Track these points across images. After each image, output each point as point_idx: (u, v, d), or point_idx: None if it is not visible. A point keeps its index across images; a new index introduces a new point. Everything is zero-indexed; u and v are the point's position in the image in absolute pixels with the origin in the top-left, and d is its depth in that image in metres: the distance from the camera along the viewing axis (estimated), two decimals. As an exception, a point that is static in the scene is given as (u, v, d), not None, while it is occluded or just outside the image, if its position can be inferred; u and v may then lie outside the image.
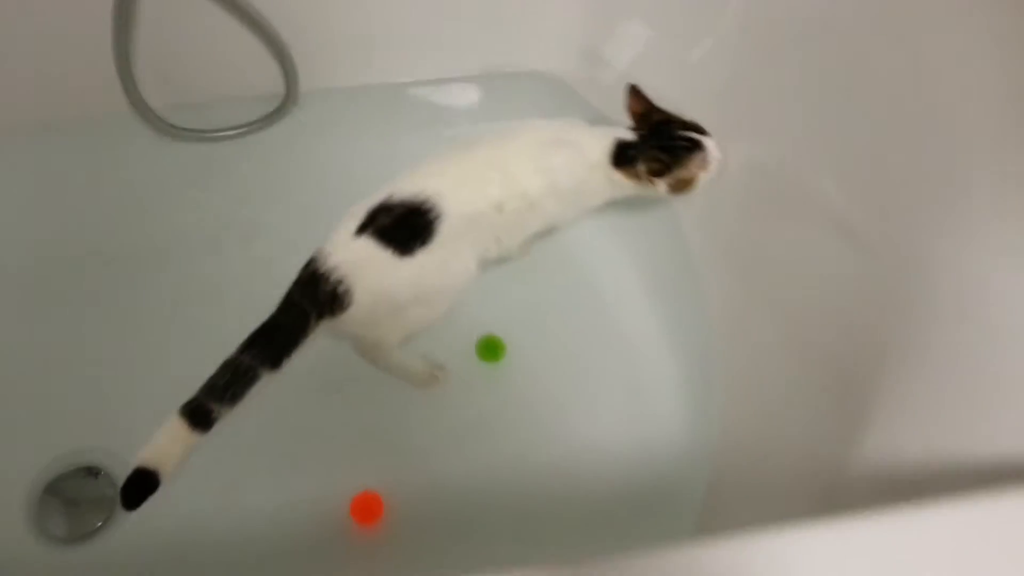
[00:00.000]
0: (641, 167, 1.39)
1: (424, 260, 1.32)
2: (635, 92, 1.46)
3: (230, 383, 1.28)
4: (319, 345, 1.42)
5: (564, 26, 1.89)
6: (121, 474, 1.31)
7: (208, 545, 1.44)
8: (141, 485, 1.21)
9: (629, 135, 1.42)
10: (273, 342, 1.30)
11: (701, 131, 1.40)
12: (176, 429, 1.24)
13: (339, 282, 1.31)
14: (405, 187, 1.33)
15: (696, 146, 1.38)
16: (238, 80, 1.83)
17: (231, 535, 1.45)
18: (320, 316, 1.32)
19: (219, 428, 1.27)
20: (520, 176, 1.37)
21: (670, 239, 1.80)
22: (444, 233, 1.32)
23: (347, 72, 1.90)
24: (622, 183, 1.42)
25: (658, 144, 1.38)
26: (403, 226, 1.31)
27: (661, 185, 1.39)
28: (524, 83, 1.98)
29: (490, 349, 1.69)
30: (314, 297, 1.31)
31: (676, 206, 1.79)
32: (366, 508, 1.50)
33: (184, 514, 1.44)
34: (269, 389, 1.29)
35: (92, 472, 1.55)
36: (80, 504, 1.53)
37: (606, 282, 1.78)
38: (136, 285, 1.67)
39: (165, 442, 1.24)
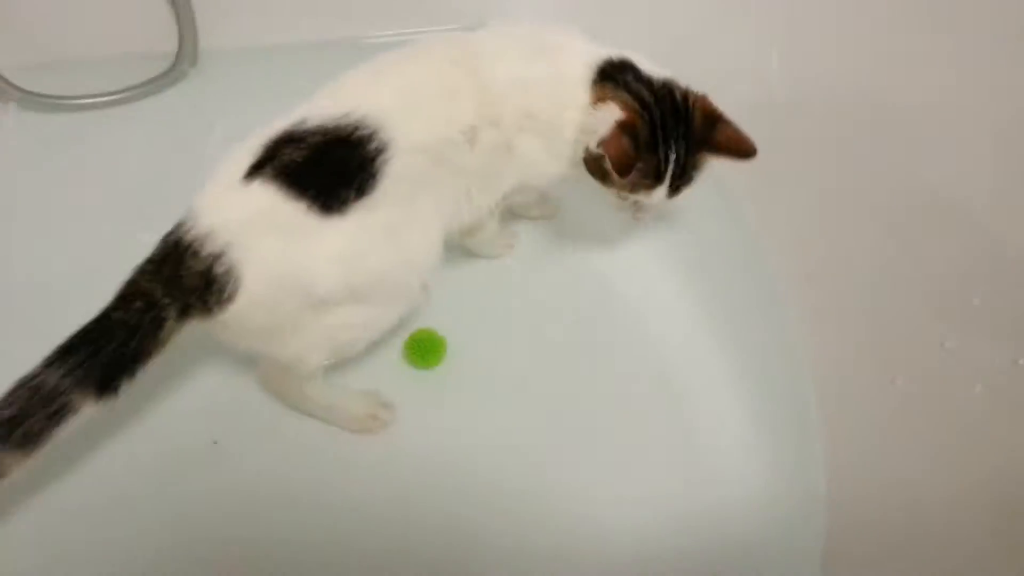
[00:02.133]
0: (619, 96, 0.98)
1: (362, 223, 0.89)
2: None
3: (22, 416, 0.81)
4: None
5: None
6: None
7: None
8: None
9: (645, 65, 1.02)
10: (102, 351, 0.84)
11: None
12: None
13: (216, 257, 0.85)
14: (326, 106, 0.91)
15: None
16: (112, 33, 1.48)
17: None
18: (185, 312, 0.87)
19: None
20: (495, 90, 0.97)
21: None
22: (393, 178, 0.90)
23: (261, 25, 1.54)
24: (577, 114, 1.01)
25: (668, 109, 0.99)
26: (325, 165, 0.88)
27: (599, 135, 0.96)
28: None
29: (423, 347, 1.21)
30: (175, 281, 0.86)
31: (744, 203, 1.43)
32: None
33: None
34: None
35: None
36: None
37: (634, 290, 1.36)
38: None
39: None
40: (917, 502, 1.03)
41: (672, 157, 0.98)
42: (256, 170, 0.87)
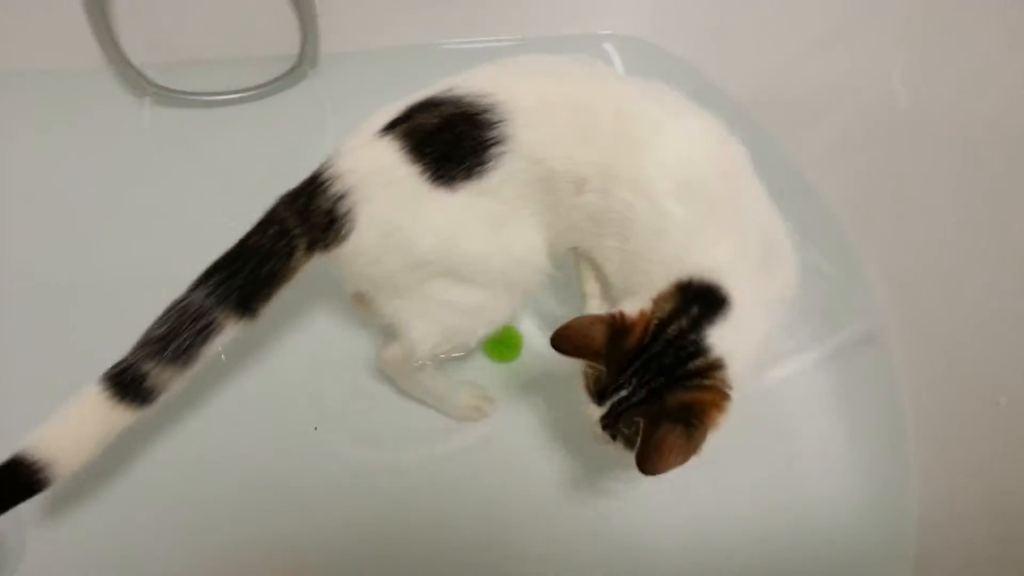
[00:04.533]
0: (659, 310, 0.84)
1: (466, 204, 0.89)
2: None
3: (174, 334, 0.88)
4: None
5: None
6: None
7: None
8: (15, 482, 0.84)
9: (730, 326, 0.85)
10: (241, 275, 0.90)
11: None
12: (92, 403, 0.87)
13: (339, 198, 0.89)
14: (473, 82, 0.90)
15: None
16: (240, 36, 1.56)
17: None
18: (312, 244, 0.92)
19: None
20: (639, 165, 0.87)
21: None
22: (505, 175, 0.89)
23: (378, 30, 1.60)
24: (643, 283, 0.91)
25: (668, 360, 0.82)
26: (447, 137, 0.88)
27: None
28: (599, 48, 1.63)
29: (503, 342, 1.24)
30: (306, 214, 0.91)
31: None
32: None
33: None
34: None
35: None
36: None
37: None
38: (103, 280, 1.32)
39: (72, 422, 0.87)
40: (1012, 516, 1.00)
41: (622, 394, 0.81)
42: (391, 128, 0.89)
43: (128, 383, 0.87)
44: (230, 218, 1.32)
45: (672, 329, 0.81)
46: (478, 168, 0.87)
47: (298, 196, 0.92)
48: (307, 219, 0.91)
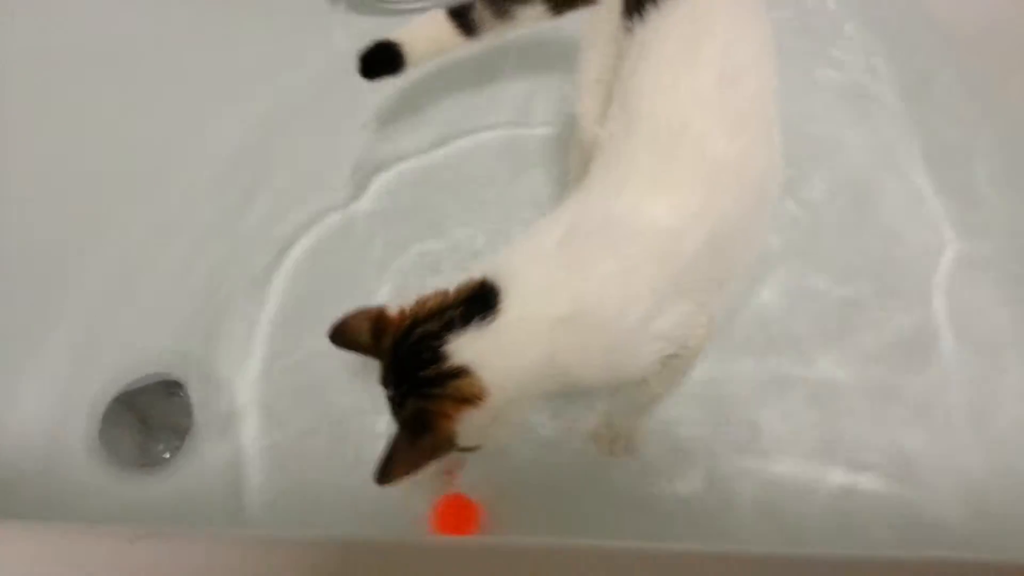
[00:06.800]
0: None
1: (610, 32, 0.99)
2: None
3: None
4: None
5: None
6: (202, 394, 1.22)
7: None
8: (383, 57, 1.16)
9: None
10: None
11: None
12: (437, 19, 1.17)
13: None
14: None
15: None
16: None
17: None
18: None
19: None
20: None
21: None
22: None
23: None
24: None
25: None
26: None
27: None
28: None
29: None
30: None
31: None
32: (455, 519, 1.07)
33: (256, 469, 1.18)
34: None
35: (171, 389, 1.24)
36: (150, 425, 1.23)
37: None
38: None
39: (422, 27, 1.18)
40: None
41: (389, 392, 0.81)
42: None
43: (462, 11, 1.15)
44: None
45: (419, 332, 0.79)
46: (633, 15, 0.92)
47: None
48: None
